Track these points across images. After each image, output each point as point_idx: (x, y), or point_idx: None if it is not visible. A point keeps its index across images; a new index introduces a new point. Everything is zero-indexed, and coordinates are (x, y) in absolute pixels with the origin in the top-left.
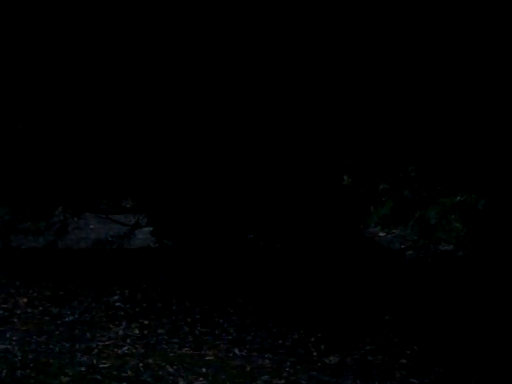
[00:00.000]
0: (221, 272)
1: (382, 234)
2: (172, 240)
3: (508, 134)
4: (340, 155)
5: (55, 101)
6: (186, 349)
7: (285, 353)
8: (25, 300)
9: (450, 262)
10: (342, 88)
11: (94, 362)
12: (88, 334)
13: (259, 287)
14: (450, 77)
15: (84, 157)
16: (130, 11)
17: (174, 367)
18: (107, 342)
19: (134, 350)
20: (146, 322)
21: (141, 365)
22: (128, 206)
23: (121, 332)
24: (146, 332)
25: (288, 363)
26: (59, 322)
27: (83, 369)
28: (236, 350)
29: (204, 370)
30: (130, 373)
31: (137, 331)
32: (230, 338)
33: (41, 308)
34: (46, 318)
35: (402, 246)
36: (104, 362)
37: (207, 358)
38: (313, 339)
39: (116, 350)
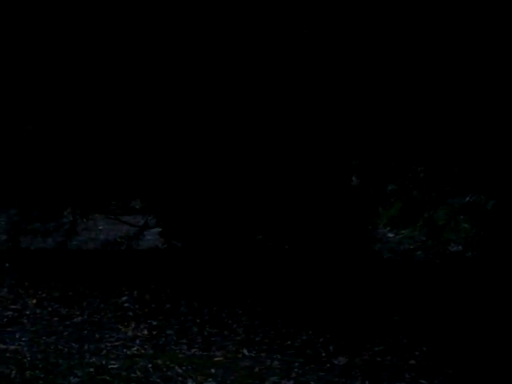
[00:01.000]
0: (229, 273)
1: (390, 235)
2: (181, 241)
3: None
4: (348, 156)
5: (64, 102)
6: (194, 349)
7: (293, 353)
8: (34, 301)
9: (458, 262)
10: (351, 89)
11: (103, 362)
12: (97, 335)
13: (268, 288)
14: (461, 77)
15: (93, 158)
16: (135, 12)
17: (183, 368)
18: (116, 343)
19: (142, 351)
20: (155, 323)
21: (150, 365)
22: (137, 206)
23: (130, 333)
24: (154, 333)
25: (297, 364)
26: (68, 322)
27: (92, 369)
28: (245, 351)
29: (213, 370)
30: (138, 373)
31: (145, 332)
32: (239, 338)
33: (50, 309)
34: (55, 318)
35: (411, 247)
36: (113, 362)
37: (216, 359)
38: (321, 340)
39: (125, 350)
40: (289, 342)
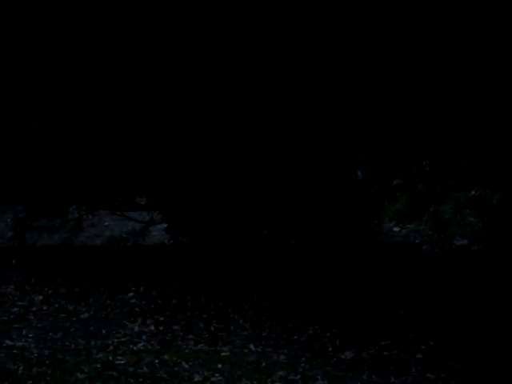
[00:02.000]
0: (236, 268)
1: (396, 229)
2: (187, 236)
3: None
4: (354, 151)
5: (70, 100)
6: (201, 345)
7: (300, 348)
8: (40, 297)
9: (464, 256)
10: (357, 84)
11: (110, 358)
12: (103, 331)
13: (274, 283)
14: (466, 71)
15: (98, 154)
16: (138, 11)
17: (190, 363)
18: (123, 339)
19: (149, 347)
20: (162, 319)
21: (156, 361)
22: (142, 202)
23: (136, 328)
24: (161, 328)
25: (303, 359)
26: (75, 318)
27: (99, 365)
28: (251, 346)
29: (219, 365)
30: (145, 369)
31: (152, 327)
32: (246, 333)
33: (56, 305)
34: (62, 315)
35: (417, 241)
36: (120, 358)
37: (223, 354)
38: (328, 334)
39: (131, 346)
40: (295, 337)
